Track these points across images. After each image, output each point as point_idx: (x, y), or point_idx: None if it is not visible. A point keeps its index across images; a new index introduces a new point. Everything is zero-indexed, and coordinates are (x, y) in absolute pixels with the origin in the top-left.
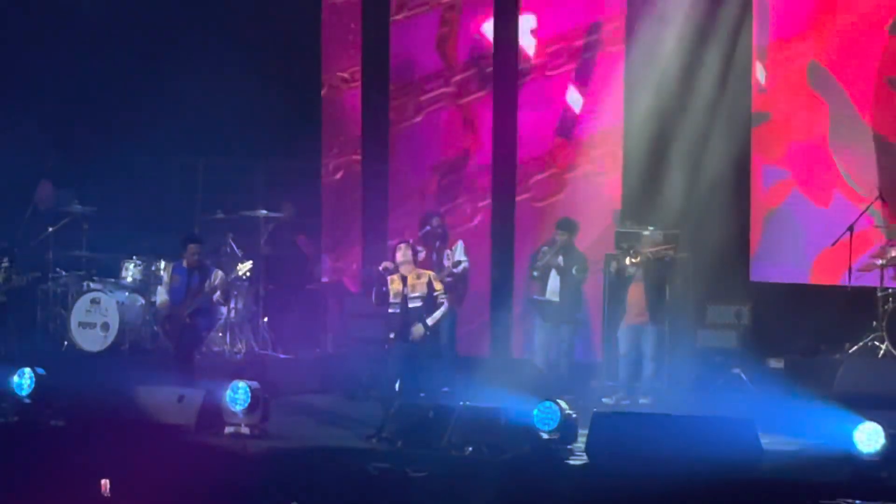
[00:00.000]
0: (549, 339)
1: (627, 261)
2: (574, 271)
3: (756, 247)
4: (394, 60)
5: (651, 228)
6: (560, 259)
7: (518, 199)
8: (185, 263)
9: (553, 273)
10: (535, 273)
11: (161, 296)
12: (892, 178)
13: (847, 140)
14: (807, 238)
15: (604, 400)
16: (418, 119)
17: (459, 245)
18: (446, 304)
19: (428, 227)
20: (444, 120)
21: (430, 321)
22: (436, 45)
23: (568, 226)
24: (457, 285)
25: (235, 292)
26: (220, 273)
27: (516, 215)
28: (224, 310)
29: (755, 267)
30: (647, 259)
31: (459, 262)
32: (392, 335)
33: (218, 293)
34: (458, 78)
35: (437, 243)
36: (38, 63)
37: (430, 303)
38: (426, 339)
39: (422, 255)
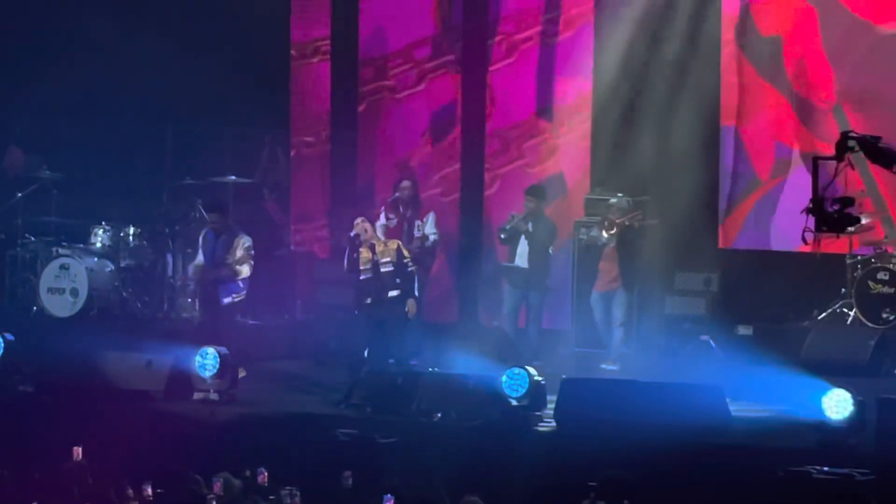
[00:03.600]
0: (518, 305)
1: (603, 233)
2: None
3: (742, 220)
4: (364, 28)
5: (620, 195)
6: (529, 225)
7: (511, 165)
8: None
9: (522, 239)
10: (502, 236)
11: (196, 259)
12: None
13: (842, 43)
14: (777, 204)
15: (602, 366)
16: (416, 87)
17: (431, 217)
18: (415, 270)
19: (397, 194)
20: (438, 88)
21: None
22: (432, 12)
23: (537, 192)
24: (425, 257)
25: None
26: (242, 240)
27: (508, 181)
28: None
29: (724, 233)
30: (622, 227)
31: (428, 237)
32: (368, 300)
33: (238, 265)
34: (457, 45)
35: (409, 212)
36: (4, 28)
37: (401, 268)
38: (400, 307)
39: (393, 223)
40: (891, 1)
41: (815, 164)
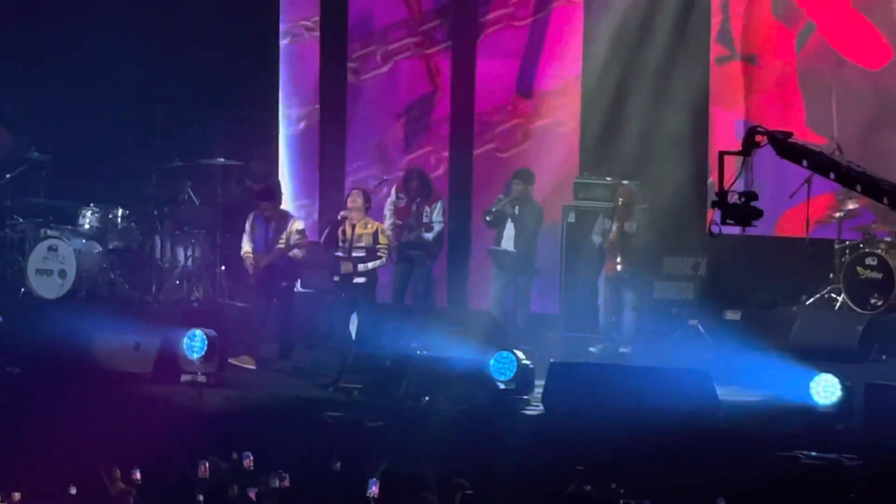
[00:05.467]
0: (506, 289)
1: (634, 224)
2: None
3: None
4: (353, 10)
5: (608, 178)
6: (516, 209)
7: (481, 149)
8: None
9: (509, 223)
10: (488, 218)
11: (244, 246)
12: (862, 109)
13: (815, 71)
14: (764, 190)
15: (590, 349)
16: (380, 69)
17: (438, 205)
18: (384, 259)
19: (392, 180)
20: (407, 70)
21: (361, 267)
22: None
23: (524, 176)
24: (431, 244)
25: (193, 241)
26: (295, 223)
27: (479, 165)
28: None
29: (712, 218)
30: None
31: (432, 226)
32: (337, 278)
33: (294, 249)
34: (422, 28)
35: (418, 199)
36: None
37: (373, 255)
38: (367, 293)
39: (402, 202)
40: (870, 41)
41: (720, 158)
